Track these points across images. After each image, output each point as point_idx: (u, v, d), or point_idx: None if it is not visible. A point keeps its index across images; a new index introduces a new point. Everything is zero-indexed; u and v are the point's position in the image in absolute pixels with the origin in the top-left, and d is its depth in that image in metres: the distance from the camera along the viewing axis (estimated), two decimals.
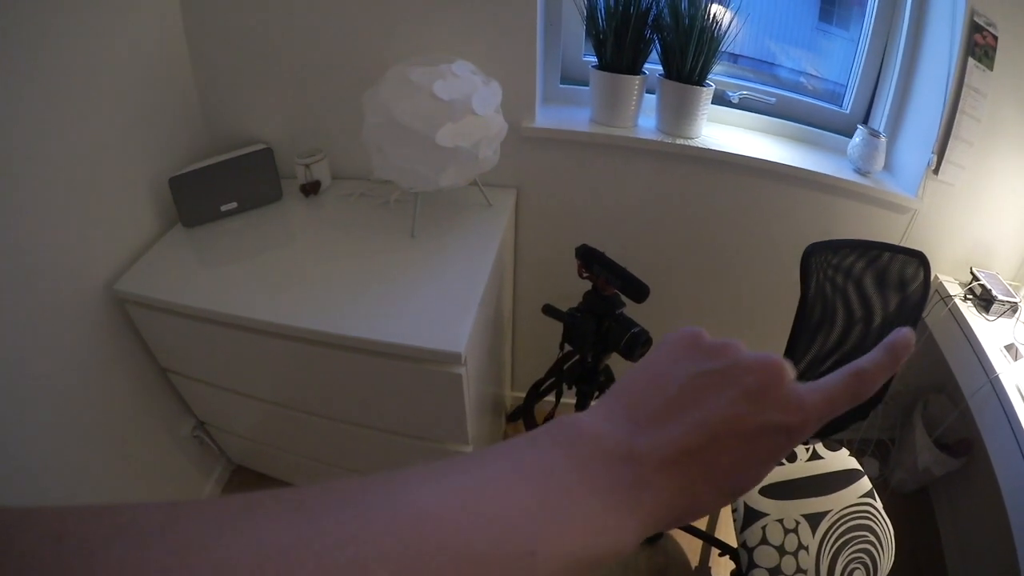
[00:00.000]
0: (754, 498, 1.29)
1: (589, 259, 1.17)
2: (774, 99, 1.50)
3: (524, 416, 1.48)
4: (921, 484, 1.81)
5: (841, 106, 1.53)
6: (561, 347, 1.29)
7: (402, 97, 1.11)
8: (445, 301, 1.08)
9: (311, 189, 1.37)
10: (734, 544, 1.35)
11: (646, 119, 1.39)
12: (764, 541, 1.22)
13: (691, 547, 1.66)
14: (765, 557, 1.19)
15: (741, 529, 1.25)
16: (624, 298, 1.16)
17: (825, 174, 1.32)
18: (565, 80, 1.47)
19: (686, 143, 1.31)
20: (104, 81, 1.14)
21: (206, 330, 1.12)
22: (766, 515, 1.26)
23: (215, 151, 1.36)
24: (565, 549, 0.19)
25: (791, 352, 1.23)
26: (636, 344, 1.14)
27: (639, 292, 1.12)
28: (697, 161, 1.35)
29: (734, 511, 1.30)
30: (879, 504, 1.30)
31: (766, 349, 0.27)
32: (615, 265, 1.15)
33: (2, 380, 1.00)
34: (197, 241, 1.27)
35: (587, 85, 1.39)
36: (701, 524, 1.61)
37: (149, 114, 1.27)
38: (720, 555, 1.51)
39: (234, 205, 1.32)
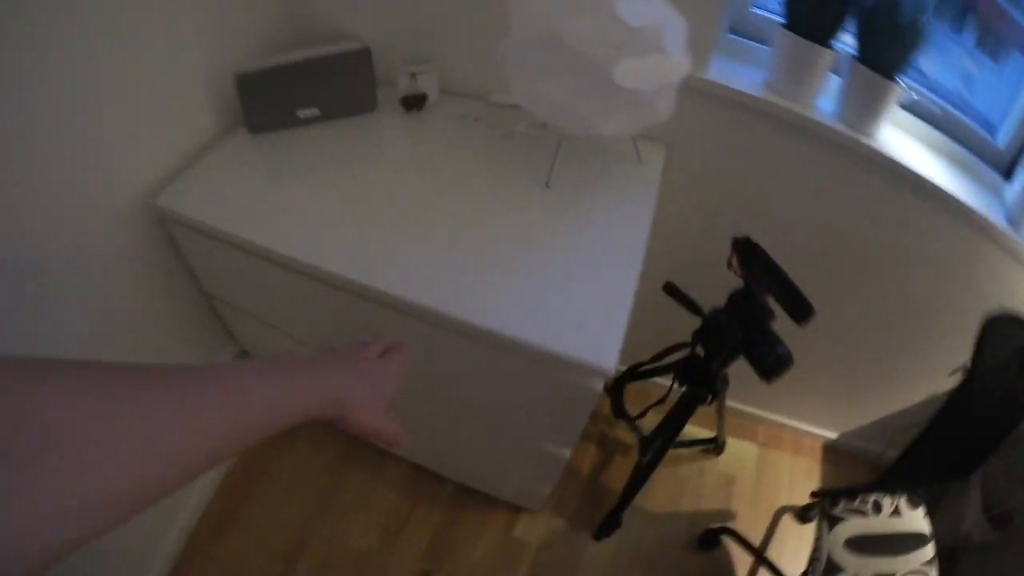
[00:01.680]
0: (839, 551, 1.21)
1: (750, 256, 0.98)
2: (940, 110, 1.31)
3: (612, 393, 1.32)
4: (956, 546, 1.73)
5: (994, 138, 1.36)
6: (691, 345, 1.11)
7: (573, 10, 0.87)
8: (593, 292, 0.86)
9: (415, 103, 1.12)
10: (782, 567, 1.42)
11: (823, 101, 1.18)
12: None
13: (741, 561, 1.58)
14: None
15: None
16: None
17: (1003, 231, 1.15)
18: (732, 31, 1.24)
19: (867, 141, 1.11)
20: None
21: (265, 269, 0.91)
22: (843, 570, 1.18)
23: (296, 43, 1.09)
24: (270, 396, 0.35)
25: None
26: (782, 367, 0.97)
27: (802, 311, 0.94)
28: (870, 164, 1.15)
29: (815, 561, 1.18)
30: (936, 572, 1.23)
31: None
32: (780, 271, 0.97)
33: (33, 282, 0.81)
34: (263, 151, 1.03)
35: (754, 40, 1.17)
36: (755, 539, 1.57)
37: None
38: None
39: (315, 112, 1.07)
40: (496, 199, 0.98)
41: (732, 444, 1.73)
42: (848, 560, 1.18)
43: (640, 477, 1.26)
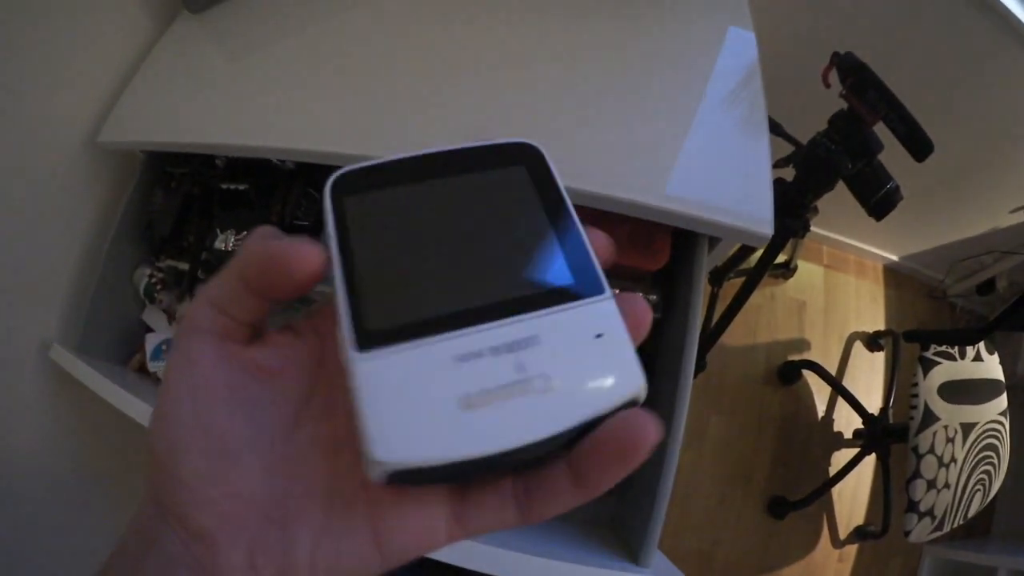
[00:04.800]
0: (934, 398, 1.17)
1: (861, 80, 0.88)
2: None
3: None
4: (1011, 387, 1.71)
5: None
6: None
7: None
8: (714, 127, 0.63)
9: None
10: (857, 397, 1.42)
11: None
12: (931, 450, 1.12)
13: (819, 392, 1.59)
14: (929, 467, 1.12)
15: (917, 431, 1.14)
16: None
17: None
18: None
19: None
20: None
21: None
22: (939, 419, 1.14)
23: None
24: None
25: None
26: (892, 204, 0.93)
27: (923, 147, 0.86)
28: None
29: (913, 408, 1.16)
30: (1008, 423, 1.21)
31: None
32: (897, 99, 0.88)
33: None
34: (216, 31, 0.79)
35: None
36: (829, 367, 1.55)
37: None
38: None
39: None
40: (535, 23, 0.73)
41: (799, 266, 1.70)
42: (942, 408, 1.15)
43: (728, 314, 1.25)
